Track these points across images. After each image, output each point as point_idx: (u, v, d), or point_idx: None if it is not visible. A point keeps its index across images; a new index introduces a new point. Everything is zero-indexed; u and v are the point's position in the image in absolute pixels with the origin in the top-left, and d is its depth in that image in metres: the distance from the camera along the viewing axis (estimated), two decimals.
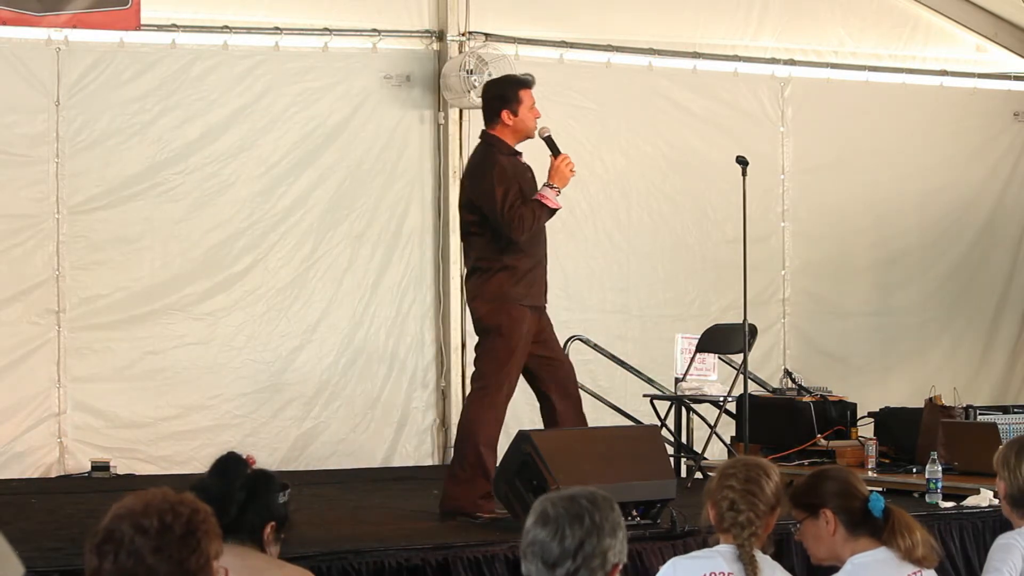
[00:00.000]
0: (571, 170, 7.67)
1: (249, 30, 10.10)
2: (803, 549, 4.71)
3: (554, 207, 7.61)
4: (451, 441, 10.45)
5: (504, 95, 7.76)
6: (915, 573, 4.43)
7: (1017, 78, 12.35)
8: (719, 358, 9.66)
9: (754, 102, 11.49)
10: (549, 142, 7.74)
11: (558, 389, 7.74)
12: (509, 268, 7.67)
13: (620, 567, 3.28)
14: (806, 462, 8.91)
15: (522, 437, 6.83)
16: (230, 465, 4.15)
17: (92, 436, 9.63)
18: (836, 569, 4.51)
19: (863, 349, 11.78)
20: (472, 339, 10.47)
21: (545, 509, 3.26)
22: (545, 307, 7.79)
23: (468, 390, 10.44)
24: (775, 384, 10.45)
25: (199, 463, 9.18)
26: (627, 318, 10.97)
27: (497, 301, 7.64)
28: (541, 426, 7.76)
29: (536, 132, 7.74)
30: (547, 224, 7.70)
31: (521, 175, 7.65)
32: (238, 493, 4.03)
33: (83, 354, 9.67)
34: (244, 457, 4.20)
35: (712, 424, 9.34)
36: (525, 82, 7.85)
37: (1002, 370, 12.27)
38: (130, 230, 9.81)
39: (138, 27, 9.40)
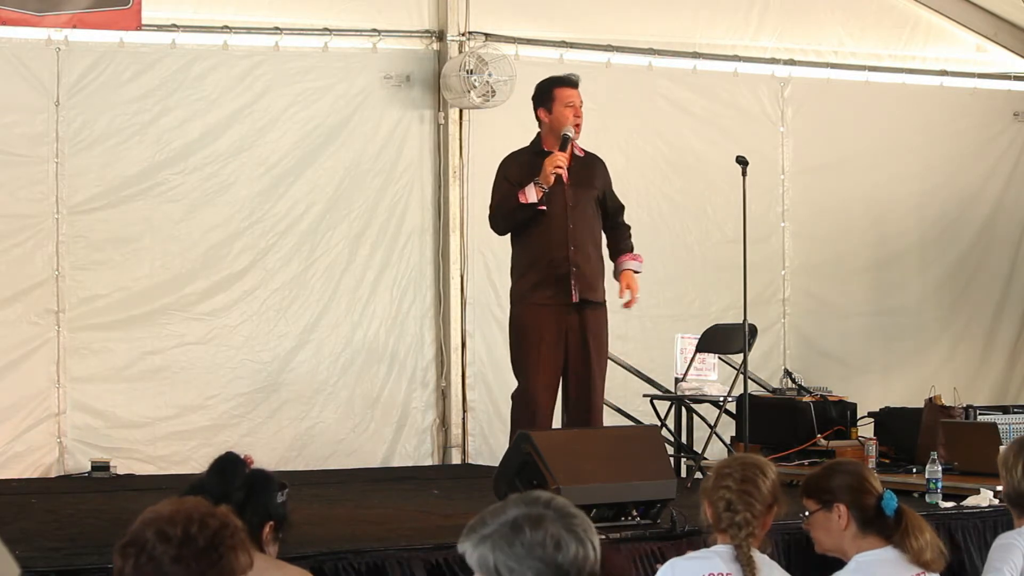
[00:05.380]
0: (554, 167, 7.67)
1: (249, 30, 10.09)
2: (802, 550, 4.71)
3: (525, 202, 7.67)
4: (451, 441, 10.47)
5: (541, 93, 8.00)
6: (920, 575, 4.43)
7: (1017, 78, 12.35)
8: (719, 358, 9.67)
9: (754, 102, 11.49)
10: (563, 140, 7.82)
11: (571, 387, 7.78)
12: (518, 268, 7.85)
13: None
14: (806, 462, 8.92)
15: (522, 437, 6.84)
16: (228, 465, 4.14)
17: (91, 436, 9.63)
18: (836, 566, 4.51)
19: (863, 349, 11.77)
20: (471, 338, 10.54)
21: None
22: (583, 303, 7.73)
23: (470, 390, 10.55)
24: (775, 384, 10.46)
25: (197, 463, 9.18)
26: (627, 318, 10.92)
27: (513, 302, 7.88)
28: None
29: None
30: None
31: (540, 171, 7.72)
32: (236, 493, 4.01)
33: (82, 354, 9.67)
34: (242, 457, 4.19)
35: (712, 424, 9.34)
36: (562, 80, 8.03)
37: (1002, 370, 12.27)
38: (130, 230, 9.81)
39: (139, 27, 9.39)
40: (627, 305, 8.02)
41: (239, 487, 4.05)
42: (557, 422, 8.12)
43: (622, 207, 8.17)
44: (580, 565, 2.89)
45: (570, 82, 7.97)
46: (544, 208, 7.71)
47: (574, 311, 7.71)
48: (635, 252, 8.15)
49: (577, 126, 7.88)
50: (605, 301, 7.92)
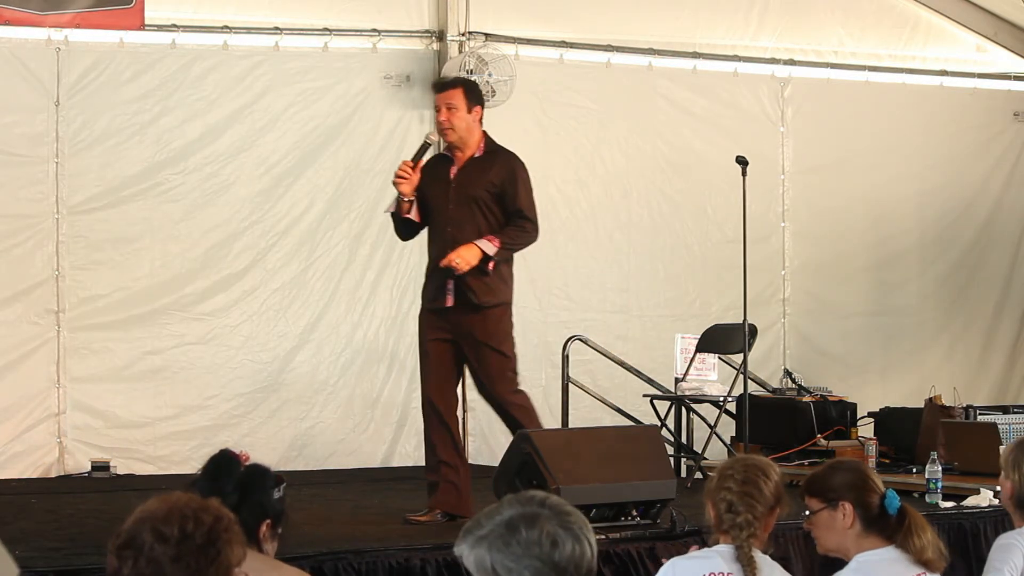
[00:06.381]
0: (394, 179, 7.39)
1: (249, 30, 10.10)
2: (802, 550, 4.70)
3: (389, 211, 7.53)
4: None
5: None
6: (921, 575, 4.42)
7: (1017, 78, 12.35)
8: (719, 358, 9.66)
9: (754, 102, 11.49)
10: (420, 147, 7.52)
11: (478, 390, 7.63)
12: None
13: None
14: (806, 462, 8.92)
15: (522, 437, 6.84)
16: (222, 465, 4.09)
17: (91, 436, 9.64)
18: (835, 566, 4.50)
19: (863, 349, 11.77)
20: None
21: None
22: (464, 307, 7.27)
23: (470, 390, 10.52)
24: (775, 384, 10.46)
25: (197, 463, 9.10)
26: (627, 318, 10.97)
27: None
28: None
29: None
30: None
31: (433, 177, 7.43)
32: (231, 495, 3.95)
33: (82, 354, 9.67)
34: (237, 454, 4.15)
35: (712, 424, 9.34)
36: (432, 86, 7.71)
37: (1001, 370, 12.27)
38: (130, 230, 9.81)
39: (142, 26, 9.40)
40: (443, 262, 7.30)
41: (234, 488, 3.99)
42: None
43: (518, 211, 7.35)
44: (577, 562, 2.89)
45: (434, 87, 7.64)
46: (409, 216, 7.41)
47: (458, 315, 7.30)
48: (502, 238, 7.29)
49: (447, 130, 7.43)
50: (497, 304, 7.35)
